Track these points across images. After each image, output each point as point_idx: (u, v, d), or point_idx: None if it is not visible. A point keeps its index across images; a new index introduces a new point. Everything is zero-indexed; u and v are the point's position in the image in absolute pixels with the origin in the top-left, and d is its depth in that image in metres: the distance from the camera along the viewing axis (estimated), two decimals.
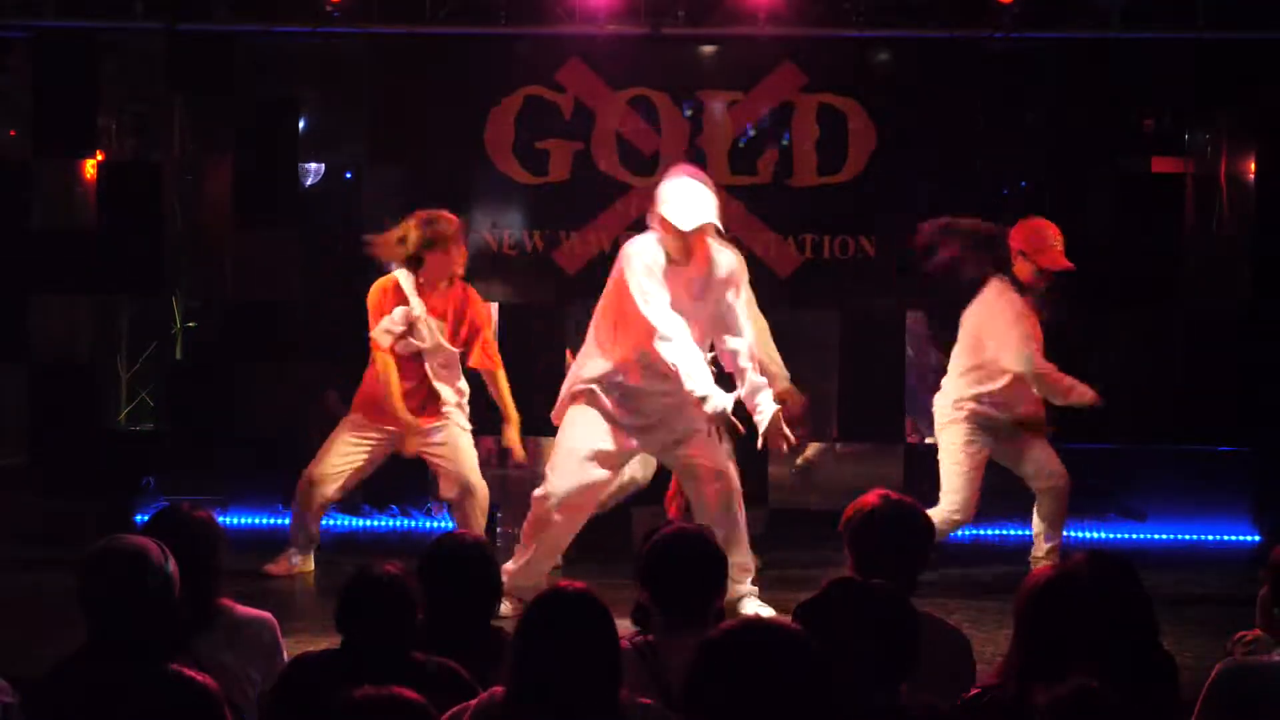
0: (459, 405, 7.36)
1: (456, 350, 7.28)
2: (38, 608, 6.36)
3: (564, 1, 8.55)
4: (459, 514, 7.40)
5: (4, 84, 9.29)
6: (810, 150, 8.63)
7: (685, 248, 6.29)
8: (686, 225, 6.20)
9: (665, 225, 6.26)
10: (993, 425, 7.25)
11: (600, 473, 6.55)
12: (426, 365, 7.25)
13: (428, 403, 7.28)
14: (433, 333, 7.20)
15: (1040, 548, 7.31)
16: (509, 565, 6.49)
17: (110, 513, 8.27)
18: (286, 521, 7.69)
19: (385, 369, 7.17)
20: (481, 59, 8.61)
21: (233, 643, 4.11)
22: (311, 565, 7.51)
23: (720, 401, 6.17)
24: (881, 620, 3.45)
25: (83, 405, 8.85)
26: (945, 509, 7.20)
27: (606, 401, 6.50)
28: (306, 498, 7.44)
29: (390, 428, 7.27)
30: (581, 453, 6.50)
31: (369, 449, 7.37)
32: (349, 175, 9.37)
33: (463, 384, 7.40)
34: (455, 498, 7.35)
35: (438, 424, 7.28)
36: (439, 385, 7.27)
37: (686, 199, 6.25)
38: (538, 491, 6.60)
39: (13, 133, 9.45)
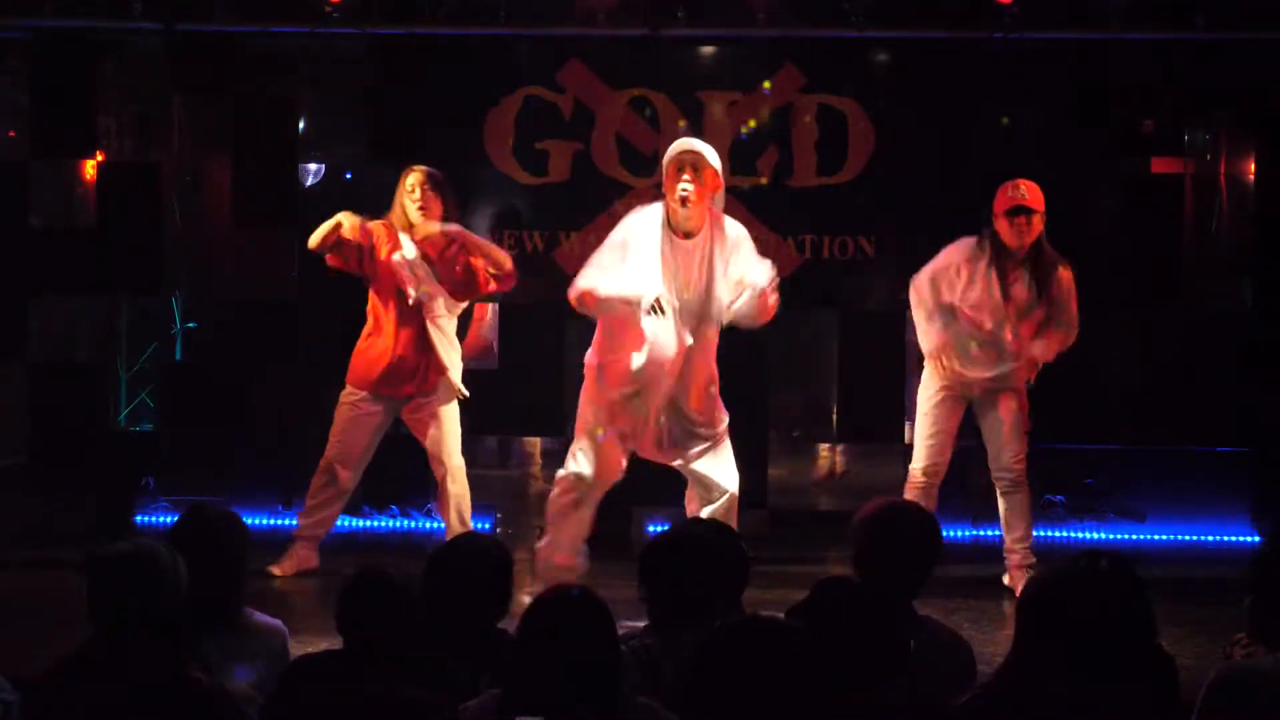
0: (454, 368, 7.32)
1: (454, 301, 7.30)
2: (38, 608, 6.36)
3: (564, 1, 8.55)
4: (440, 495, 7.43)
5: (3, 84, 9.29)
6: (810, 151, 8.62)
7: (688, 214, 6.34)
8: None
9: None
10: (963, 381, 7.21)
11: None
12: (426, 321, 7.23)
13: (424, 367, 7.27)
14: (427, 275, 7.23)
15: (1006, 543, 7.29)
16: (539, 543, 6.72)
17: (110, 513, 8.28)
18: (286, 522, 7.66)
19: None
20: (481, 59, 8.60)
21: (244, 648, 4.12)
22: (316, 561, 7.44)
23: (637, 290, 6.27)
24: (869, 620, 3.45)
25: (82, 405, 8.83)
26: (911, 462, 7.27)
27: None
28: (321, 489, 7.40)
29: (385, 394, 7.26)
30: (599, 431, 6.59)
31: (374, 425, 7.35)
32: (349, 175, 9.37)
33: (456, 352, 7.38)
34: (440, 478, 7.39)
35: (426, 398, 7.28)
36: (435, 335, 7.24)
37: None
38: (560, 472, 6.67)
39: (12, 133, 9.45)
